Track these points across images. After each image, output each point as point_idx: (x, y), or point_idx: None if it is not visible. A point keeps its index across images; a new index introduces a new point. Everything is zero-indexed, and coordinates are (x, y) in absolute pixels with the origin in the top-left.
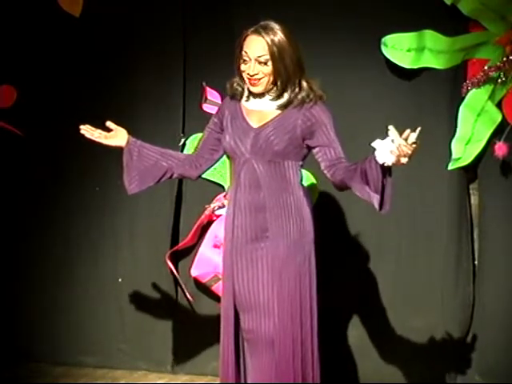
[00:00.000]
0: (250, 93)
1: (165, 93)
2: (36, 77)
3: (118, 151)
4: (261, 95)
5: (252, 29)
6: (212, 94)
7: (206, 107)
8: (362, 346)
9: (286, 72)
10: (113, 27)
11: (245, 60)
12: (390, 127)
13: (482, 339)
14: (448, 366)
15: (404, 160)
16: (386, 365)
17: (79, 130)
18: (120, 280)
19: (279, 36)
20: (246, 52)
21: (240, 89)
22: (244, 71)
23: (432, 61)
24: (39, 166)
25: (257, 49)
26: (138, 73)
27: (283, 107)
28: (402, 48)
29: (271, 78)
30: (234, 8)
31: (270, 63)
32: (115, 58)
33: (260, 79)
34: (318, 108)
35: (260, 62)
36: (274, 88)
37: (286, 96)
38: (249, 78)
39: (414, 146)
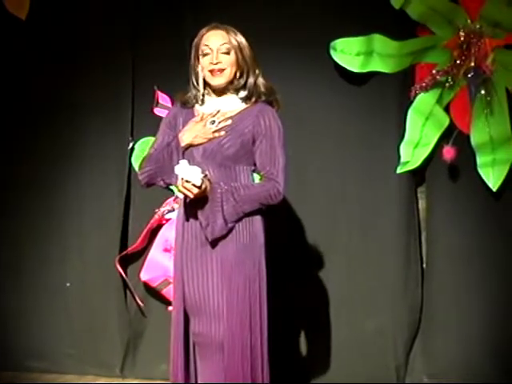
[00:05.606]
0: (204, 96)
1: (113, 96)
2: None
3: (61, 156)
4: (220, 93)
5: (208, 27)
6: (163, 98)
7: (158, 111)
8: (312, 347)
9: (247, 64)
10: (59, 30)
11: (206, 54)
12: (181, 161)
13: (429, 341)
14: (396, 367)
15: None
16: (335, 365)
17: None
18: (68, 284)
19: (235, 31)
20: (206, 45)
21: (193, 94)
22: (203, 67)
23: (381, 65)
24: None
25: (218, 39)
26: (86, 76)
27: (245, 100)
28: (350, 52)
29: (233, 69)
30: (183, 12)
31: (232, 53)
32: (62, 60)
33: (223, 70)
34: (270, 116)
35: (222, 52)
36: (235, 81)
37: (245, 90)
38: (211, 70)
39: (186, 183)
